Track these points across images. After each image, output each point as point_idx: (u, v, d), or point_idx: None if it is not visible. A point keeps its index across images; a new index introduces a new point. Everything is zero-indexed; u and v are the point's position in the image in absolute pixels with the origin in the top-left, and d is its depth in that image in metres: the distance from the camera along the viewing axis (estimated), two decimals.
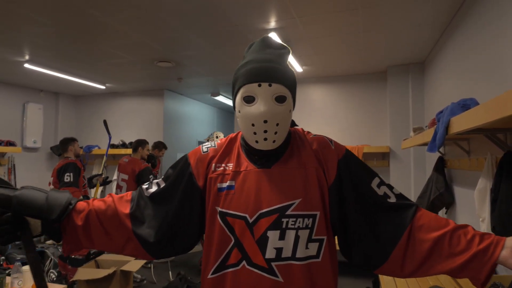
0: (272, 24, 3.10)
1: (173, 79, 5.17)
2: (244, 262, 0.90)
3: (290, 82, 0.93)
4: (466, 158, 2.43)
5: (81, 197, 3.41)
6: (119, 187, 4.21)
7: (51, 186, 3.63)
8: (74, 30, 3.19)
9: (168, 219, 0.96)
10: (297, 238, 0.89)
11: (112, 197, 0.99)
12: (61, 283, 3.49)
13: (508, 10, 1.83)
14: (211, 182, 0.97)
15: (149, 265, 4.25)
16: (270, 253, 0.88)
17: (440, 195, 2.80)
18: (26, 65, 4.26)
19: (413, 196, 3.96)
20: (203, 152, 1.02)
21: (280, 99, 0.90)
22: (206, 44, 3.62)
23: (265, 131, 0.89)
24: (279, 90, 0.89)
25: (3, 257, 4.11)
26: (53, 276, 3.77)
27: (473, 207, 2.01)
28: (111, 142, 5.90)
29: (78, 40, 3.47)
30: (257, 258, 0.88)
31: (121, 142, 5.79)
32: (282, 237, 0.88)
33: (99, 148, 6.01)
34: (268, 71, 0.90)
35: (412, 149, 4.05)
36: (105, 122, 4.62)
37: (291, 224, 0.89)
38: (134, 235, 0.94)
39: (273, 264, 0.88)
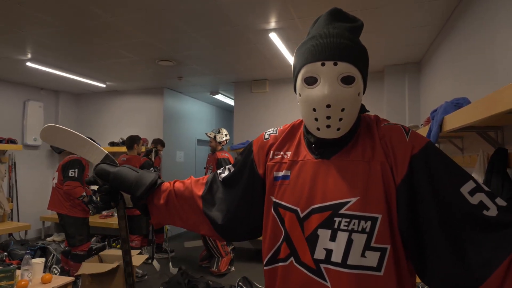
0: (272, 24, 3.18)
1: (173, 77, 5.23)
2: (292, 259, 0.84)
3: (360, 60, 0.81)
4: (460, 155, 2.52)
5: (84, 194, 3.48)
6: None
7: (55, 181, 3.68)
8: (78, 29, 3.25)
9: (235, 204, 0.97)
10: (349, 242, 0.77)
11: (191, 180, 1.06)
12: None
13: (499, 13, 1.92)
14: (268, 170, 0.93)
15: (150, 261, 4.33)
16: (319, 254, 0.79)
17: None
18: (28, 64, 4.31)
19: None
20: (265, 139, 0.99)
21: (347, 80, 0.78)
22: (207, 43, 3.69)
23: (328, 117, 0.78)
24: (346, 69, 0.78)
25: (5, 253, 4.18)
26: (56, 271, 3.83)
27: None
28: (111, 140, 5.98)
29: (81, 39, 3.53)
30: (305, 257, 0.81)
31: (121, 140, 5.84)
32: (333, 238, 0.78)
33: (99, 146, 6.06)
34: (334, 48, 0.78)
35: None
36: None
37: (344, 225, 0.78)
38: (205, 215, 0.99)
39: (322, 266, 0.79)
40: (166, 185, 1.04)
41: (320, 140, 0.84)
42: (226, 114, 8.67)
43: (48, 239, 5.57)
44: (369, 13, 2.91)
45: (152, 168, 4.28)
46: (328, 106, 0.77)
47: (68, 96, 6.40)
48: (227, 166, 1.05)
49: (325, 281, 0.78)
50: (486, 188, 0.74)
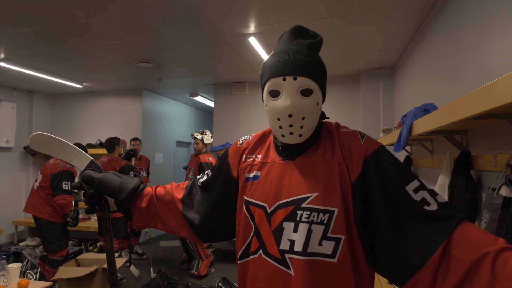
0: (252, 29, 3.23)
1: (153, 79, 5.20)
2: (261, 251, 0.91)
3: (317, 73, 0.90)
4: (429, 157, 2.65)
5: (73, 209, 3.46)
6: None
7: (37, 183, 3.58)
8: (55, 29, 3.20)
9: (212, 206, 1.05)
10: (309, 232, 0.86)
11: (172, 185, 1.14)
12: None
13: (465, 21, 2.05)
14: (241, 172, 1.02)
15: (127, 264, 4.28)
16: (284, 245, 0.87)
17: None
18: (1, 64, 4.19)
19: None
20: (239, 144, 1.09)
21: (306, 93, 0.88)
22: (187, 46, 3.70)
23: (291, 125, 0.88)
24: (305, 83, 0.87)
25: None
26: (31, 277, 3.75)
27: None
28: (88, 142, 5.87)
29: (58, 40, 3.47)
30: (272, 249, 0.89)
31: (98, 142, 5.75)
32: (295, 229, 0.87)
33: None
34: (293, 64, 0.88)
35: None
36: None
37: (305, 218, 0.86)
38: (184, 218, 1.07)
39: (286, 256, 0.87)
40: (148, 189, 1.12)
41: (286, 144, 0.94)
42: (206, 116, 8.66)
43: (22, 244, 5.40)
44: (345, 20, 3.02)
45: (131, 172, 4.24)
46: (290, 115, 0.87)
47: (43, 97, 6.24)
48: (206, 171, 1.14)
49: (289, 269, 0.86)
50: (428, 187, 0.83)
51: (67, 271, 2.88)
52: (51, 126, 6.34)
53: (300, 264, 0.84)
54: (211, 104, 7.08)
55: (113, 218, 3.99)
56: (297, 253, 0.85)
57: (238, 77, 5.16)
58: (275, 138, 1.01)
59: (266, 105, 0.93)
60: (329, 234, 0.86)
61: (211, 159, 4.35)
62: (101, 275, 2.97)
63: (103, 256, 3.33)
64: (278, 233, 0.89)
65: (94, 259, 3.20)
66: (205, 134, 4.48)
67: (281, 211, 0.90)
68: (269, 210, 0.92)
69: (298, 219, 0.87)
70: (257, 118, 5.30)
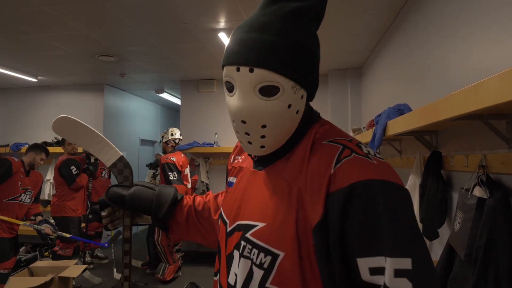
0: (222, 24, 3.13)
1: (115, 74, 4.94)
2: (218, 276, 0.75)
3: (290, 64, 0.62)
4: (398, 157, 2.70)
5: None
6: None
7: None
8: (5, 17, 2.91)
9: None
10: (250, 274, 0.64)
11: (210, 197, 0.99)
12: None
13: (432, 22, 2.08)
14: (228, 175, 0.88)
15: (91, 266, 4.05)
16: (231, 278, 0.68)
17: None
18: None
19: None
20: (237, 143, 0.91)
21: (268, 92, 0.62)
22: (152, 40, 3.52)
23: (247, 133, 0.66)
24: (265, 77, 0.61)
25: None
26: None
27: None
28: (44, 140, 5.47)
29: (9, 29, 3.17)
30: (223, 278, 0.72)
31: (55, 140, 5.38)
32: (238, 264, 0.66)
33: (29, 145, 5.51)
34: (249, 48, 0.61)
35: None
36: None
37: (247, 252, 0.65)
38: None
39: None
40: (186, 199, 0.99)
41: None
42: (172, 114, 8.41)
43: None
44: None
45: (72, 167, 3.90)
46: (243, 121, 0.64)
47: None
48: None
49: None
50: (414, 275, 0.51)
51: (18, 282, 2.62)
52: (2, 122, 5.85)
53: None
54: (177, 101, 6.87)
55: (61, 217, 3.74)
56: None
57: (206, 74, 5.02)
58: None
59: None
60: (267, 285, 0.61)
61: (174, 158, 3.98)
62: (57, 284, 2.74)
63: (60, 263, 3.09)
64: (229, 261, 0.70)
65: (49, 267, 2.96)
66: (165, 133, 4.26)
67: (237, 234, 0.69)
68: (228, 229, 0.73)
69: (241, 251, 0.66)
70: (226, 117, 5.18)
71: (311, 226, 0.59)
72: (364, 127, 3.21)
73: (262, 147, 0.67)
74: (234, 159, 0.88)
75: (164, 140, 4.23)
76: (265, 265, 0.62)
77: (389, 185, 0.56)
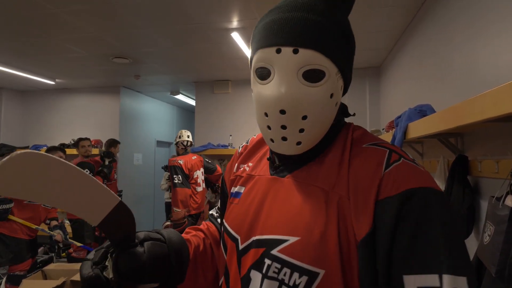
0: (235, 23, 3.05)
1: (130, 76, 4.95)
2: None
3: (337, 47, 0.56)
4: (419, 160, 2.55)
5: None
6: None
7: None
8: (21, 21, 2.93)
9: None
10: None
11: (210, 241, 0.78)
12: None
13: (457, 19, 1.93)
14: (230, 186, 0.75)
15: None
16: None
17: None
18: None
19: None
20: (238, 151, 0.80)
21: (313, 76, 0.55)
22: (165, 41, 3.49)
23: (284, 127, 0.56)
24: (312, 60, 0.54)
25: None
26: None
27: None
28: (62, 141, 5.55)
29: (25, 33, 3.20)
30: None
31: (72, 142, 5.44)
32: (261, 285, 0.56)
33: (47, 147, 5.60)
34: (295, 27, 0.54)
35: None
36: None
37: (274, 272, 0.55)
38: None
39: None
40: (192, 240, 0.75)
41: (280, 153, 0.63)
42: (188, 115, 8.41)
43: None
44: None
45: (86, 170, 3.88)
46: (283, 111, 0.55)
47: (13, 93, 5.86)
48: (216, 206, 0.85)
49: None
50: None
51: (30, 285, 2.63)
52: (22, 125, 5.98)
53: None
54: (193, 103, 6.85)
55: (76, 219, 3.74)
56: None
57: (221, 75, 4.96)
58: None
59: (252, 91, 0.62)
60: None
61: (181, 161, 3.87)
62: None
63: (72, 266, 3.09)
64: (245, 283, 0.59)
65: (62, 270, 2.96)
66: (177, 135, 4.20)
67: (253, 252, 0.59)
68: (240, 247, 0.62)
69: (264, 271, 0.56)
70: (241, 119, 5.12)
71: (355, 239, 0.52)
72: (383, 129, 3.07)
73: (299, 143, 0.58)
74: (238, 168, 0.76)
75: (174, 142, 4.20)
76: (299, 286, 0.53)
77: (441, 195, 0.51)
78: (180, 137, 4.12)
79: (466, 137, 1.82)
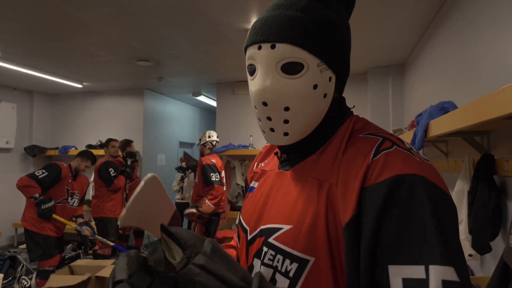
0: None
1: (153, 78, 5.06)
2: None
3: (316, 38, 0.57)
4: (444, 160, 2.46)
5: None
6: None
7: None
8: (46, 26, 3.06)
9: None
10: (273, 283, 0.57)
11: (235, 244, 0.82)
12: None
13: (484, 12, 1.85)
14: (249, 183, 0.80)
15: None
16: None
17: None
18: None
19: None
20: (261, 151, 0.85)
21: (290, 69, 0.57)
22: (186, 43, 3.54)
23: (269, 118, 0.60)
24: (288, 53, 0.56)
25: None
26: (25, 282, 3.62)
27: None
28: (89, 143, 5.75)
29: (50, 37, 3.34)
30: None
31: (99, 143, 5.63)
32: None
33: (76, 149, 5.82)
34: (272, 24, 0.57)
35: None
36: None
37: (269, 259, 0.58)
38: None
39: None
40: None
41: (282, 146, 0.67)
42: (210, 116, 8.51)
43: (21, 246, 5.29)
44: None
45: (111, 169, 4.01)
46: (265, 104, 0.59)
47: (43, 97, 6.13)
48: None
49: None
50: None
51: (58, 280, 2.73)
52: (51, 127, 6.24)
53: None
54: (214, 103, 6.93)
55: (100, 218, 3.86)
56: None
57: (241, 75, 4.99)
58: None
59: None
60: None
61: (214, 160, 3.94)
62: (94, 283, 2.82)
63: (98, 263, 3.19)
64: (250, 271, 0.62)
65: (88, 266, 3.06)
66: (203, 136, 4.23)
67: (258, 241, 0.62)
68: (249, 237, 0.65)
69: (262, 258, 0.59)
70: None
71: (341, 224, 0.52)
72: (406, 128, 2.98)
73: (286, 134, 0.61)
74: (257, 166, 0.81)
75: (201, 143, 4.22)
76: (291, 274, 0.55)
77: (435, 187, 0.49)
78: (209, 137, 4.13)
79: (492, 135, 1.74)
